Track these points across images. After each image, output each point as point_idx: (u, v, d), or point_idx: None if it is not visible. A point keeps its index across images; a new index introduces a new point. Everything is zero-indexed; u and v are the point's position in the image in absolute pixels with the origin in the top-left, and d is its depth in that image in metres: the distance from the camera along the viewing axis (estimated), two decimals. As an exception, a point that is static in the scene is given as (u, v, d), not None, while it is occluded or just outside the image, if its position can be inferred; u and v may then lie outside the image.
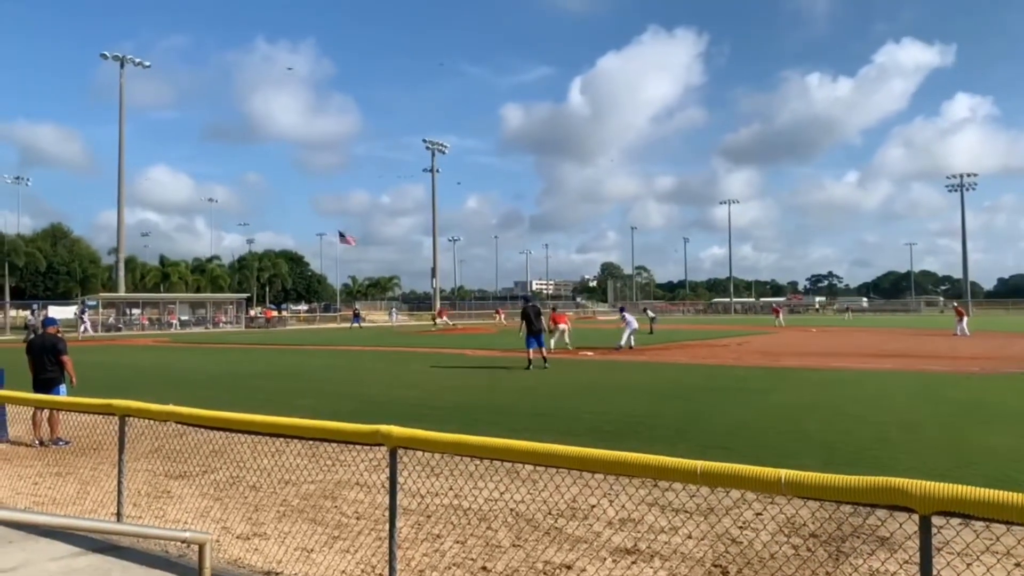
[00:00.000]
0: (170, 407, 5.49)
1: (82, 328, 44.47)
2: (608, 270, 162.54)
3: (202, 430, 6.52)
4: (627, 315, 28.85)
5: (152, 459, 8.14)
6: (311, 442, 6.48)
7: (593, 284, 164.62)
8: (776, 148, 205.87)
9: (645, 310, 44.19)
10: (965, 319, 37.25)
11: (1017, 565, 4.29)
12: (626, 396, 13.73)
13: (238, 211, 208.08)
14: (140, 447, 7.91)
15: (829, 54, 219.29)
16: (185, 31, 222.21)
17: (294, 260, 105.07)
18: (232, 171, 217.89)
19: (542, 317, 20.04)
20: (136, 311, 58.35)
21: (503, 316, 65.58)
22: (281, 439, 6.22)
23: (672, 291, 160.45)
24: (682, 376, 17.65)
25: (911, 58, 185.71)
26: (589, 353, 25.10)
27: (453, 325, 58.31)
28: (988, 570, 3.87)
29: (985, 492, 2.52)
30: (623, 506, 5.29)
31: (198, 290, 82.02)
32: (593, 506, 5.63)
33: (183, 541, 3.96)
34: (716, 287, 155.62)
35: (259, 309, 75.21)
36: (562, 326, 27.57)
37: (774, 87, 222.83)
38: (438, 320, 59.45)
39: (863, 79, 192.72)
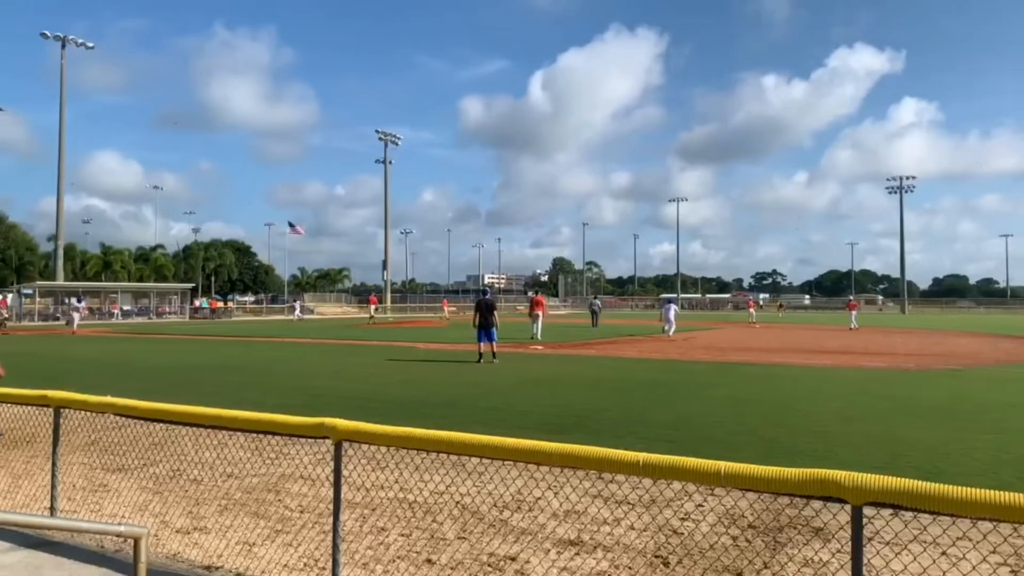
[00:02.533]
0: (108, 399, 5.35)
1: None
2: (559, 265, 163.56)
3: (142, 422, 6.39)
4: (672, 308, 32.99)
5: (89, 452, 7.93)
6: (255, 435, 6.38)
7: (545, 279, 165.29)
8: (729, 148, 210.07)
9: (591, 304, 44.90)
10: (855, 313, 42.69)
11: (943, 554, 4.46)
12: (574, 390, 13.85)
13: (189, 200, 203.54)
14: (76, 440, 7.70)
15: (785, 57, 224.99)
16: (140, 14, 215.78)
17: (241, 250, 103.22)
18: (185, 159, 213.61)
19: (496, 312, 20.06)
20: (75, 300, 56.63)
21: (447, 310, 65.46)
22: (224, 432, 6.11)
23: (622, 286, 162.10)
24: (630, 370, 17.86)
25: (863, 63, 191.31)
26: (539, 347, 25.23)
27: (373, 319, 53.60)
28: (915, 559, 4.02)
29: (913, 483, 2.60)
30: (567, 498, 5.35)
31: (141, 280, 79.95)
32: (538, 498, 5.67)
33: (118, 535, 3.87)
34: (664, 283, 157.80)
35: (204, 300, 73.65)
36: (539, 312, 29.98)
37: (731, 88, 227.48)
38: (373, 311, 56.31)
39: (816, 82, 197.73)
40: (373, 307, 57.35)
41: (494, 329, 19.64)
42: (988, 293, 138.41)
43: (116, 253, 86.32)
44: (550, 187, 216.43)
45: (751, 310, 55.72)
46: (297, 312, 59.83)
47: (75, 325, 40.72)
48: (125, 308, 57.85)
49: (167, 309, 61.71)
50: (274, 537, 5.23)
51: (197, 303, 68.49)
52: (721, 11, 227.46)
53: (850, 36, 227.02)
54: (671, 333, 31.89)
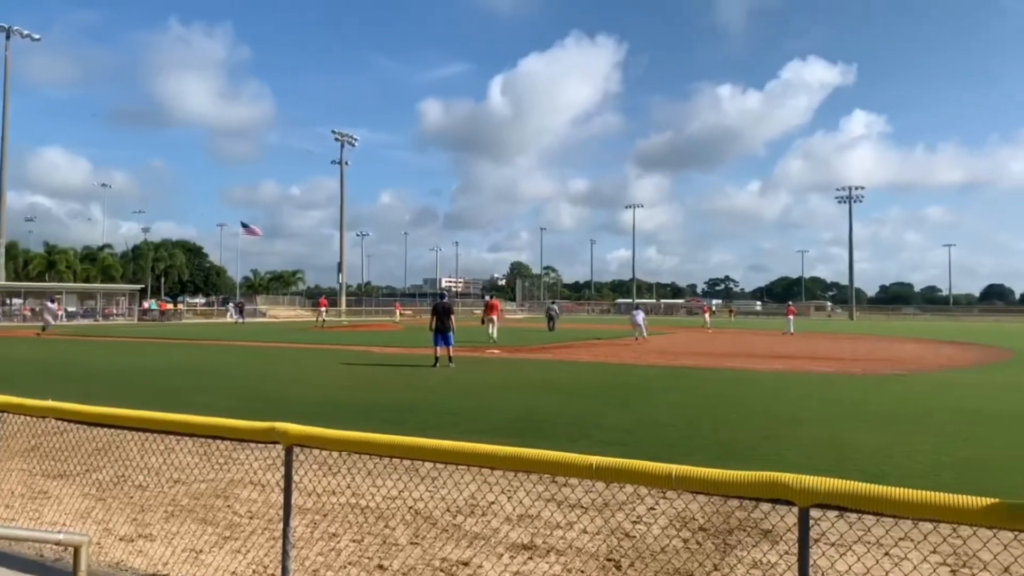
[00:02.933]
0: (49, 402, 5.18)
1: None
2: (517, 269, 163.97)
3: (85, 427, 6.21)
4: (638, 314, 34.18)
5: (29, 458, 7.68)
6: (204, 440, 6.26)
7: (502, 283, 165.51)
8: (685, 156, 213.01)
9: (548, 309, 45.79)
10: (792, 318, 45.05)
11: (887, 554, 4.57)
12: (529, 394, 13.87)
13: (140, 199, 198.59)
14: (15, 445, 7.45)
15: (741, 68, 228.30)
16: (93, 7, 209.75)
17: (192, 251, 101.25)
18: (137, 157, 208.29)
19: (452, 316, 19.87)
20: (18, 301, 54.99)
21: (399, 313, 65.14)
22: (172, 437, 5.98)
23: (579, 291, 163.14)
24: (584, 374, 17.96)
25: (816, 76, 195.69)
26: (496, 351, 25.23)
27: (323, 322, 52.08)
28: (859, 559, 4.12)
29: (857, 485, 2.66)
30: (521, 502, 5.35)
31: (87, 280, 77.79)
32: (492, 502, 5.66)
33: (57, 543, 3.76)
34: (620, 288, 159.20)
35: (154, 301, 72.01)
36: (494, 316, 31.04)
37: (687, 97, 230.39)
38: (323, 314, 54.68)
39: (770, 93, 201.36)
40: (323, 310, 56.02)
41: (451, 333, 19.46)
42: (932, 300, 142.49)
43: (61, 252, 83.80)
44: (509, 191, 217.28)
45: (706, 316, 56.55)
46: (231, 313, 58.23)
47: (52, 326, 39.70)
48: (70, 309, 56.23)
49: (114, 311, 60.15)
50: (222, 544, 5.12)
51: (146, 305, 66.95)
52: (680, 22, 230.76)
53: (804, 49, 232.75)
54: (645, 335, 33.27)
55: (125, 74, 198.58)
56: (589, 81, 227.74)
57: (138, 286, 70.27)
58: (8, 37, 55.36)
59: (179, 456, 6.77)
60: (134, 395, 13.06)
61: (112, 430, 7.70)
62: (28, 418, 5.50)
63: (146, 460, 6.46)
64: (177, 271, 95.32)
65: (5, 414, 5.31)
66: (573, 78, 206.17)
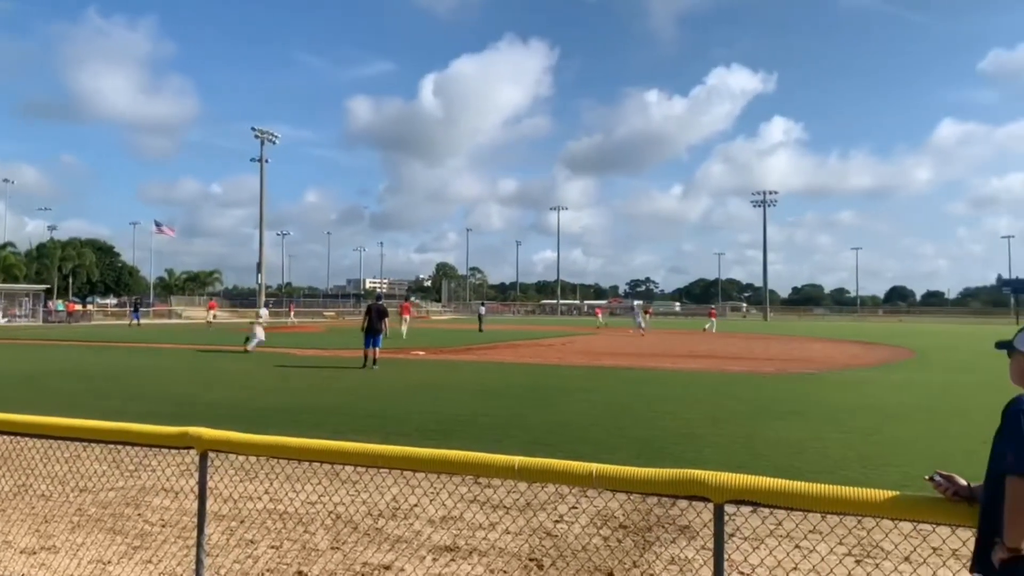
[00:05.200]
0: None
1: None
2: (442, 270, 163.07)
3: (-18, 435, 5.86)
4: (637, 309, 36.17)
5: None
6: (113, 446, 6.01)
7: (428, 283, 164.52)
8: (613, 159, 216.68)
9: (477, 310, 49.38)
10: (715, 320, 48.28)
11: (797, 547, 4.75)
12: (454, 395, 13.84)
13: (50, 195, 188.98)
14: (-95, 455, 6.99)
15: (668, 74, 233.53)
16: None
17: (103, 250, 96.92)
18: (47, 151, 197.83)
19: (386, 319, 20.02)
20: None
21: (293, 313, 64.80)
22: (78, 443, 5.72)
23: (504, 292, 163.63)
24: (509, 375, 18.03)
25: (738, 83, 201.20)
26: (421, 352, 25.08)
27: (210, 324, 50.14)
28: (771, 552, 4.27)
29: (769, 481, 2.75)
30: (443, 504, 5.34)
31: (-13, 280, 73.62)
32: (414, 505, 5.62)
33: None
34: (545, 289, 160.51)
35: (61, 302, 68.64)
36: (407, 316, 35.51)
37: (616, 102, 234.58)
38: (211, 317, 52.65)
39: (695, 99, 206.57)
40: (211, 312, 53.82)
41: (381, 336, 19.65)
42: (840, 302, 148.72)
43: (-44, 251, 79.11)
44: (438, 192, 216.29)
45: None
46: (136, 315, 55.83)
47: None
48: (-33, 310, 53.18)
49: (17, 312, 57.11)
50: (132, 554, 4.93)
51: (52, 305, 63.77)
52: (612, 28, 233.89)
53: (728, 57, 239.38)
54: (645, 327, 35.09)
55: (38, 66, 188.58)
56: (521, 84, 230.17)
57: (43, 286, 66.85)
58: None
59: (86, 464, 6.48)
60: (39, 401, 12.43)
61: (11, 437, 7.31)
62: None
63: (50, 468, 6.15)
64: (87, 271, 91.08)
65: None
66: (505, 80, 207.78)
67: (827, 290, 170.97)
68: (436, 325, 52.64)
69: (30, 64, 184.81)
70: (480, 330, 42.42)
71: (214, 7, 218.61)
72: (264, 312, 34.00)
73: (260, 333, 25.71)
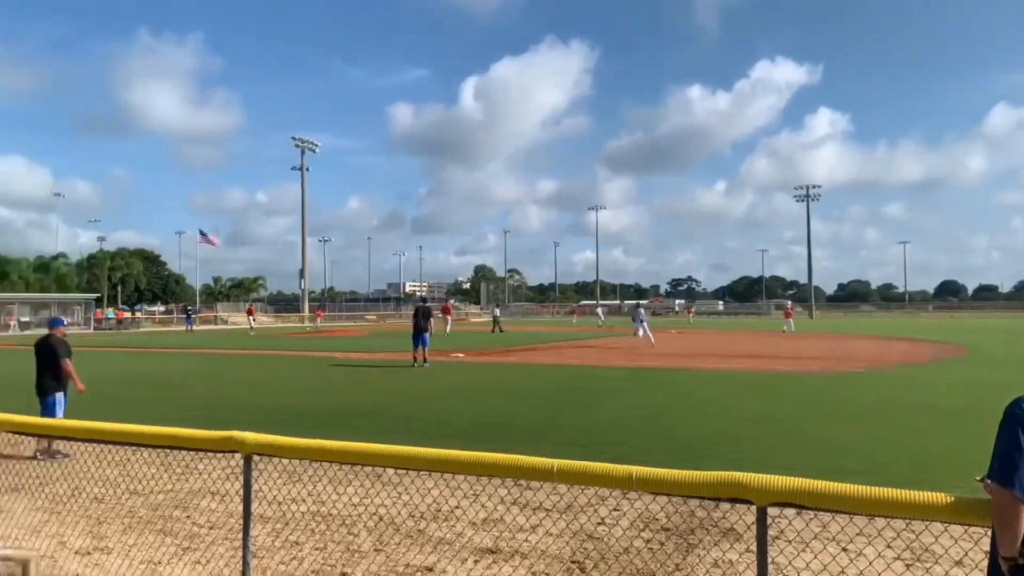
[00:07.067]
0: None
1: None
2: (481, 272, 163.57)
3: (36, 440, 6.05)
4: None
5: (-21, 472, 7.46)
6: (162, 450, 6.15)
7: (467, 286, 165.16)
8: (654, 157, 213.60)
9: (493, 312, 52.24)
10: (791, 320, 47.25)
11: (843, 550, 4.66)
12: (494, 397, 13.87)
13: (103, 208, 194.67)
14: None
15: (712, 69, 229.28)
16: (60, 19, 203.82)
17: (150, 259, 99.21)
18: (100, 166, 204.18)
19: (432, 319, 21.06)
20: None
21: (320, 319, 65.46)
22: (128, 448, 5.87)
23: (543, 293, 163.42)
24: (549, 376, 18.00)
25: (784, 75, 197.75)
26: (460, 355, 25.17)
27: (253, 325, 51.92)
28: (816, 556, 4.19)
29: (813, 483, 2.69)
30: (484, 506, 5.35)
31: (41, 290, 75.80)
32: (455, 507, 5.65)
33: (5, 559, 3.66)
34: (584, 289, 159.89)
35: (111, 310, 70.44)
36: (449, 317, 39.96)
37: (658, 99, 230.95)
38: (253, 323, 53.47)
39: (739, 93, 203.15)
40: (251, 318, 54.68)
41: (427, 335, 20.60)
42: (888, 298, 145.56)
43: (12, 263, 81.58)
44: (477, 194, 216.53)
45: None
46: (189, 321, 58.02)
47: None
48: (23, 319, 54.87)
49: (69, 320, 58.78)
50: (181, 555, 5.04)
51: (101, 314, 65.50)
52: (654, 25, 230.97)
53: (773, 49, 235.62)
54: (639, 335, 31.55)
55: (93, 84, 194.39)
56: (561, 84, 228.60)
57: (93, 295, 68.67)
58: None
59: (137, 467, 6.65)
60: (88, 406, 12.76)
61: (66, 442, 7.54)
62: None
63: (102, 472, 6.31)
64: (135, 280, 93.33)
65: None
66: (546, 82, 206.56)
67: (874, 286, 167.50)
68: (475, 328, 52.85)
69: (86, 83, 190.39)
70: (497, 331, 42.97)
71: (256, 23, 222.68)
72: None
73: None
